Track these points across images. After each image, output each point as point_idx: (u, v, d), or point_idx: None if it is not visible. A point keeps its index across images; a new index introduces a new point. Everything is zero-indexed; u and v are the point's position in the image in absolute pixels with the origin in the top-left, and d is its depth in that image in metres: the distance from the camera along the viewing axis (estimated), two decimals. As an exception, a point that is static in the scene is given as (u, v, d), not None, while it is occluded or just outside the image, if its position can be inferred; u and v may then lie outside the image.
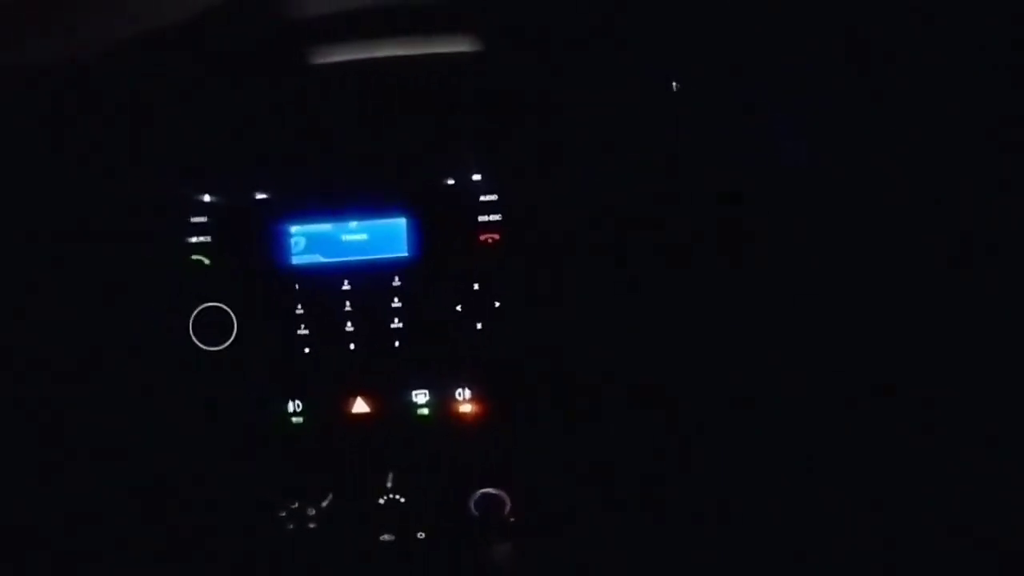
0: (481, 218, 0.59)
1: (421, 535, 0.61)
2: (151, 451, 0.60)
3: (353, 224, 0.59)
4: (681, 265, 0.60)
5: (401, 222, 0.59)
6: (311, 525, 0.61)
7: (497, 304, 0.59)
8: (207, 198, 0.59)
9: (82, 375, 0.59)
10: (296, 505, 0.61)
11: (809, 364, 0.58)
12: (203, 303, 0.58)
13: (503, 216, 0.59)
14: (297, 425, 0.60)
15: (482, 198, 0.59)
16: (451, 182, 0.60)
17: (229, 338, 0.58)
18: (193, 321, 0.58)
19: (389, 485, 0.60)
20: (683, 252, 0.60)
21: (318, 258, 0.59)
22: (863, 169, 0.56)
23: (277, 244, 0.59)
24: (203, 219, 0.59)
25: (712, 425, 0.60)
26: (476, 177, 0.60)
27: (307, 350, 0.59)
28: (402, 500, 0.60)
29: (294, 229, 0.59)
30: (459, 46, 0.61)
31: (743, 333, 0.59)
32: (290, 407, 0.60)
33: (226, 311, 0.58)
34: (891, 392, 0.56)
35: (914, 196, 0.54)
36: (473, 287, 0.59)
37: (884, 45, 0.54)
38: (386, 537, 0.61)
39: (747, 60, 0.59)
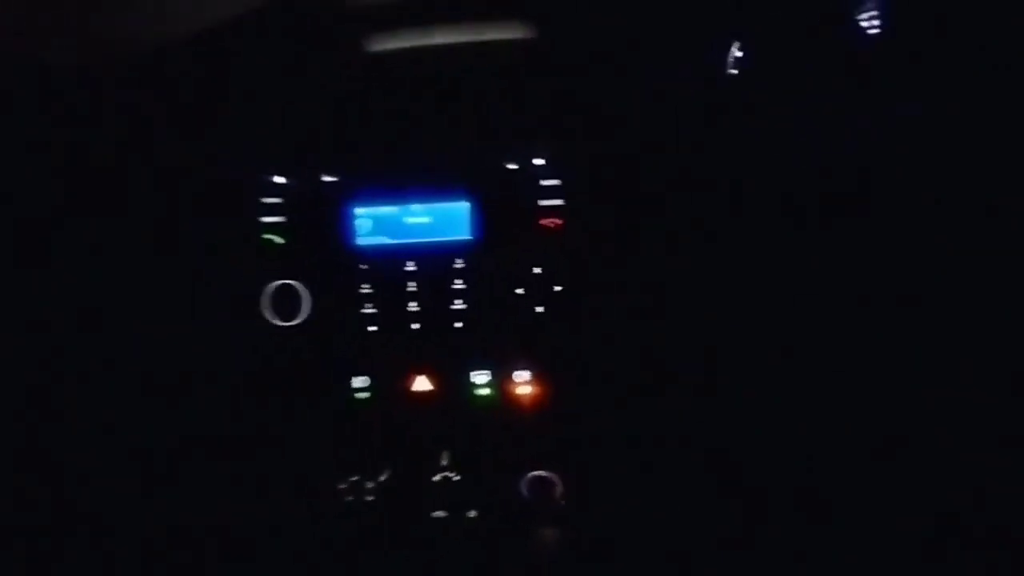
0: (542, 202, 0.60)
1: (472, 514, 0.62)
2: (221, 421, 0.63)
3: (417, 207, 0.61)
4: (743, 250, 0.59)
5: (464, 205, 0.60)
6: (368, 498, 0.62)
7: (558, 288, 0.60)
8: (279, 180, 0.62)
9: (160, 350, 0.62)
10: (356, 479, 0.63)
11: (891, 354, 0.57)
12: (276, 280, 0.60)
13: (565, 201, 0.60)
14: (362, 401, 0.62)
15: (543, 182, 0.60)
16: (513, 167, 0.60)
17: (300, 315, 0.61)
18: (267, 297, 0.61)
19: (444, 463, 0.62)
20: (745, 236, 0.59)
21: (383, 239, 0.61)
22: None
23: (344, 225, 0.61)
24: (276, 200, 0.61)
25: (773, 413, 0.59)
26: (538, 162, 0.60)
27: (372, 328, 0.61)
28: (456, 479, 0.62)
29: (360, 211, 0.61)
30: (521, 32, 0.62)
31: (806, 319, 0.58)
32: (355, 383, 0.62)
33: (297, 289, 0.61)
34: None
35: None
36: (534, 271, 0.60)
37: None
38: (438, 514, 0.62)
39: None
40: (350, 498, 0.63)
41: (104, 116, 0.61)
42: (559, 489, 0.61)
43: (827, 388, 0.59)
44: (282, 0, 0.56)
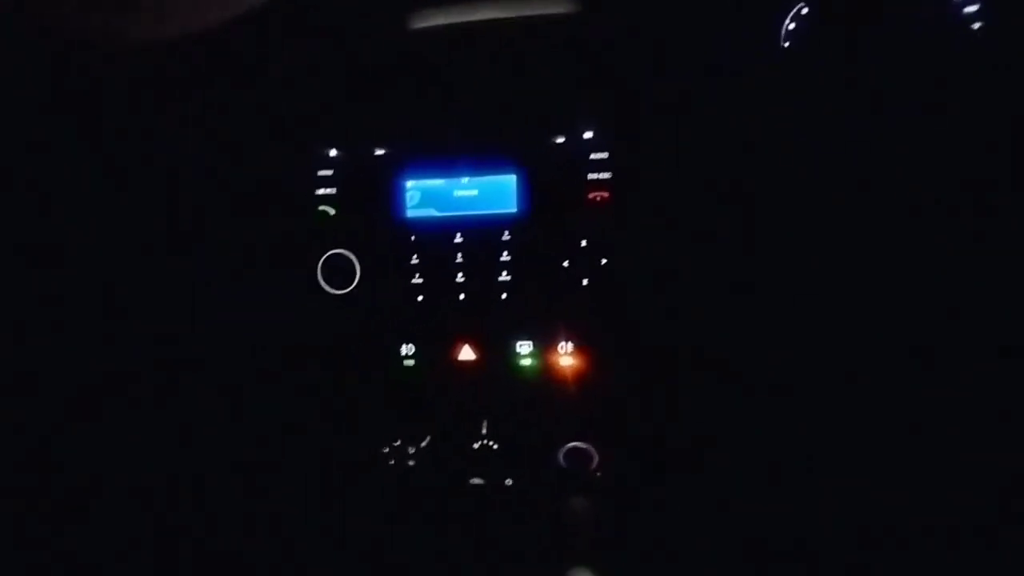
0: (591, 176, 0.60)
1: (509, 482, 0.63)
2: (273, 383, 0.66)
3: (465, 180, 0.62)
4: (793, 225, 0.58)
5: (511, 179, 0.61)
6: (410, 463, 0.65)
7: (604, 262, 0.60)
8: (332, 153, 0.64)
9: (217, 316, 0.66)
10: (398, 443, 0.65)
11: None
12: (329, 250, 0.63)
13: (612, 174, 0.59)
14: (408, 368, 0.64)
15: (592, 156, 0.60)
16: (561, 140, 0.60)
17: (352, 283, 0.63)
18: (321, 266, 0.63)
19: (484, 432, 0.64)
20: (795, 212, 0.58)
21: (432, 212, 0.62)
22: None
23: (394, 197, 0.63)
24: (329, 172, 0.63)
25: (816, 390, 0.58)
26: (587, 135, 0.60)
27: (420, 298, 0.63)
28: (495, 447, 0.63)
29: (409, 184, 0.62)
30: (566, 6, 0.61)
31: (861, 298, 0.57)
32: (403, 350, 0.64)
33: (350, 258, 0.63)
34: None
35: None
36: (580, 244, 0.60)
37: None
38: (476, 481, 0.64)
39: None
40: (392, 462, 0.65)
41: (166, 91, 0.64)
42: (595, 460, 0.62)
43: (878, 370, 0.58)
44: None
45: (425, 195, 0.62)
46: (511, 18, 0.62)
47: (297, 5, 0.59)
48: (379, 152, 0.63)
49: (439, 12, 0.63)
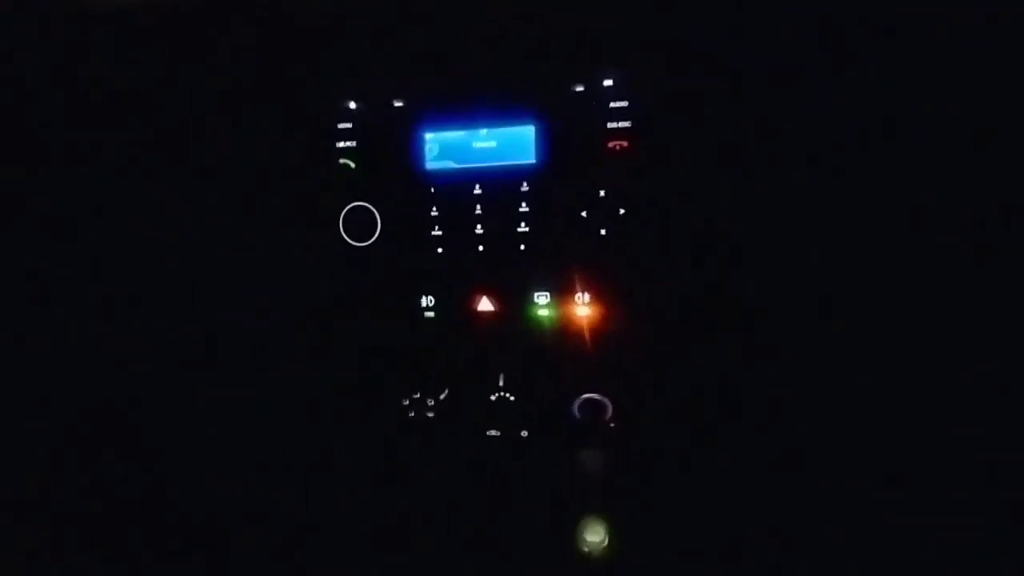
0: (610, 125, 0.59)
1: (524, 434, 0.65)
2: (295, 337, 0.68)
3: (483, 132, 0.62)
4: (816, 179, 0.57)
5: (529, 129, 0.61)
6: (428, 415, 0.67)
7: (622, 212, 0.60)
8: (352, 106, 0.64)
9: (244, 268, 0.68)
10: (417, 396, 0.67)
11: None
12: (350, 203, 0.64)
13: (632, 123, 0.59)
14: (428, 320, 0.66)
15: (612, 105, 0.59)
16: (580, 89, 0.60)
17: (373, 236, 0.64)
18: (343, 219, 0.64)
19: (501, 384, 0.65)
20: (818, 165, 0.57)
21: (450, 164, 0.63)
22: None
23: (413, 150, 0.63)
24: (348, 126, 0.64)
25: (832, 350, 0.59)
26: (607, 83, 0.59)
27: (440, 250, 0.64)
28: (511, 399, 0.65)
29: (428, 136, 0.63)
30: None
31: (881, 263, 0.57)
32: (423, 302, 0.65)
33: (371, 211, 0.64)
34: None
35: None
36: (599, 194, 0.60)
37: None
38: (492, 433, 0.66)
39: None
40: (411, 414, 0.67)
41: (184, 41, 0.64)
42: (609, 411, 0.63)
43: (898, 339, 0.58)
44: None
45: (444, 147, 0.63)
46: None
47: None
48: (398, 104, 0.63)
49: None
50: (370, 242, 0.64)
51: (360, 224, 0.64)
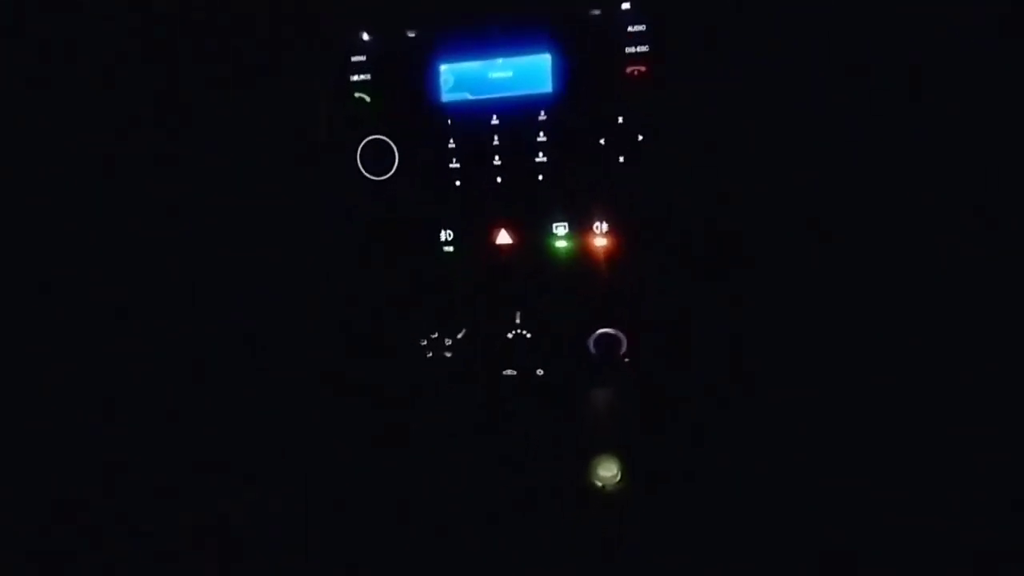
0: (628, 49, 0.58)
1: (540, 372, 0.66)
2: (315, 274, 0.69)
3: (499, 61, 0.61)
4: (827, 107, 0.56)
5: (546, 58, 0.60)
6: (447, 355, 0.67)
7: (640, 138, 0.59)
8: (365, 38, 0.63)
9: (261, 204, 0.68)
10: (435, 335, 0.68)
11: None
12: (367, 136, 0.64)
13: (650, 47, 0.58)
14: (448, 253, 0.66)
15: (629, 28, 0.58)
16: (597, 12, 0.59)
17: (391, 169, 0.64)
18: (360, 152, 0.65)
19: (517, 321, 0.66)
20: (829, 89, 0.56)
21: (466, 95, 0.62)
22: None
23: (429, 82, 0.63)
24: (362, 58, 0.64)
25: (846, 288, 0.58)
26: (624, 6, 0.58)
27: (458, 182, 0.64)
28: (528, 336, 0.65)
29: (443, 68, 0.62)
30: None
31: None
32: (442, 236, 0.66)
33: (388, 144, 0.64)
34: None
35: None
36: (617, 120, 0.60)
37: None
38: (509, 372, 0.66)
39: None
40: (430, 354, 0.68)
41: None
42: (624, 346, 0.63)
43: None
44: None
45: (459, 79, 0.62)
46: None
47: None
48: (411, 35, 0.63)
49: None
50: (388, 176, 0.65)
51: (377, 158, 0.64)
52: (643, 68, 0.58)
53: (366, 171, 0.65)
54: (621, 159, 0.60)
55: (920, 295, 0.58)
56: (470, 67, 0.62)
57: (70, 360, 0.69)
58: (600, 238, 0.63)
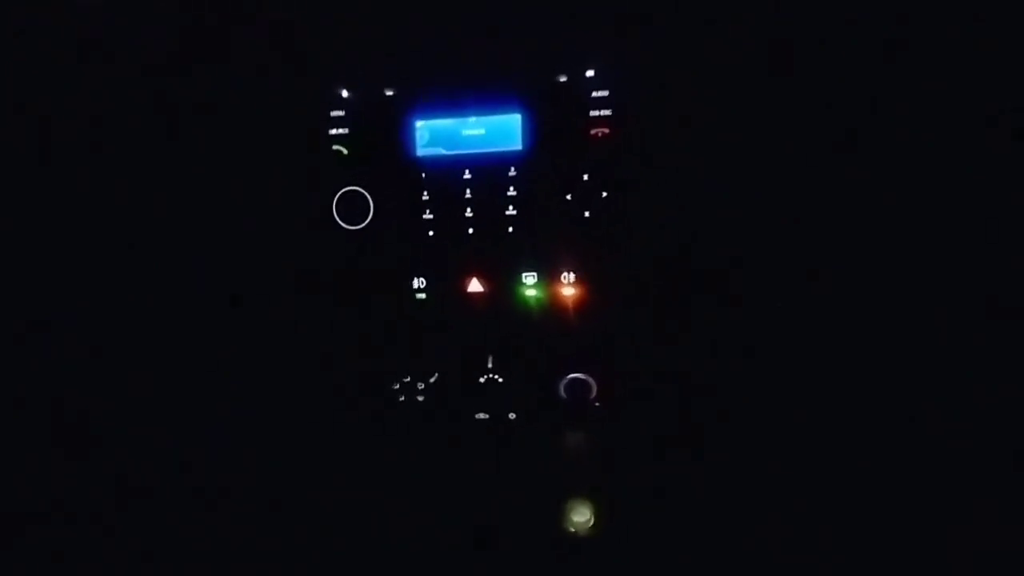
0: (592, 113, 0.62)
1: (512, 416, 0.67)
2: (290, 318, 0.69)
3: (472, 119, 0.64)
4: (790, 159, 0.60)
5: (516, 117, 0.64)
6: (419, 399, 0.68)
7: (605, 194, 0.63)
8: (344, 94, 0.66)
9: (240, 251, 0.69)
10: (408, 379, 0.68)
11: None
12: (344, 187, 0.66)
13: (613, 111, 0.62)
14: (420, 301, 0.68)
15: (594, 94, 0.62)
16: (564, 79, 0.63)
17: (366, 219, 0.66)
18: (336, 203, 0.66)
19: (489, 366, 0.67)
20: (792, 145, 0.60)
21: (440, 150, 0.65)
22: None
23: (404, 137, 0.65)
24: (341, 113, 0.66)
25: (816, 337, 0.61)
26: (589, 73, 0.62)
27: (431, 233, 0.66)
28: (499, 380, 0.67)
29: (419, 124, 0.65)
30: None
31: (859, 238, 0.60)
32: (415, 284, 0.67)
33: (364, 195, 0.66)
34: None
35: None
36: (583, 178, 0.63)
37: None
38: (481, 416, 0.67)
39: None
40: (402, 398, 0.68)
41: (182, 37, 0.66)
42: (595, 391, 0.65)
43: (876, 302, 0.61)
44: None
45: (434, 134, 0.65)
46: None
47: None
48: (389, 93, 0.66)
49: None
50: (363, 225, 0.66)
51: (353, 208, 0.66)
52: (606, 130, 0.62)
53: (342, 221, 0.67)
54: (587, 214, 0.63)
55: (897, 340, 0.61)
56: (444, 124, 0.65)
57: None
58: (568, 287, 0.65)
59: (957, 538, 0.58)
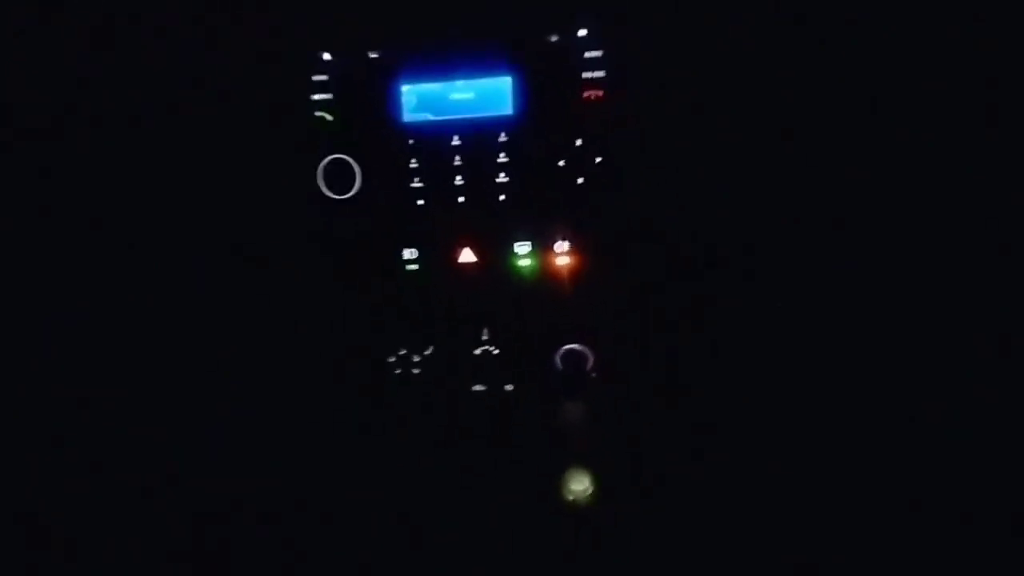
0: (585, 75, 0.60)
1: (509, 387, 0.66)
2: (278, 292, 0.68)
3: (461, 83, 0.62)
4: (791, 121, 0.59)
5: (506, 80, 0.62)
6: (415, 371, 0.67)
7: (598, 159, 0.61)
8: (327, 57, 0.63)
9: (224, 225, 0.67)
10: (403, 352, 0.67)
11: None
12: (329, 155, 0.64)
13: (607, 72, 0.60)
14: (411, 272, 0.66)
15: (587, 55, 0.60)
16: (555, 39, 0.61)
17: (353, 188, 0.64)
18: (321, 171, 0.64)
19: (484, 337, 0.66)
20: (793, 122, 0.59)
21: (428, 116, 0.63)
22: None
23: (390, 102, 0.63)
24: (324, 78, 0.63)
25: (812, 302, 0.61)
26: (581, 33, 0.60)
27: (420, 202, 0.64)
28: (495, 352, 0.66)
29: (405, 88, 0.63)
30: None
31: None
32: (406, 255, 0.66)
33: (349, 163, 0.64)
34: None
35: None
36: (575, 143, 0.61)
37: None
38: (477, 387, 0.66)
39: None
40: (398, 371, 0.67)
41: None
42: (591, 361, 0.64)
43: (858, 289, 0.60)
44: None
45: (422, 99, 0.63)
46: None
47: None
48: (374, 56, 0.63)
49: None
50: (350, 195, 0.64)
51: (339, 177, 0.64)
52: (600, 93, 0.60)
53: (328, 190, 0.65)
54: (580, 180, 0.62)
55: (893, 324, 0.60)
56: (432, 88, 0.63)
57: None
58: (562, 256, 0.64)
59: (957, 537, 0.59)
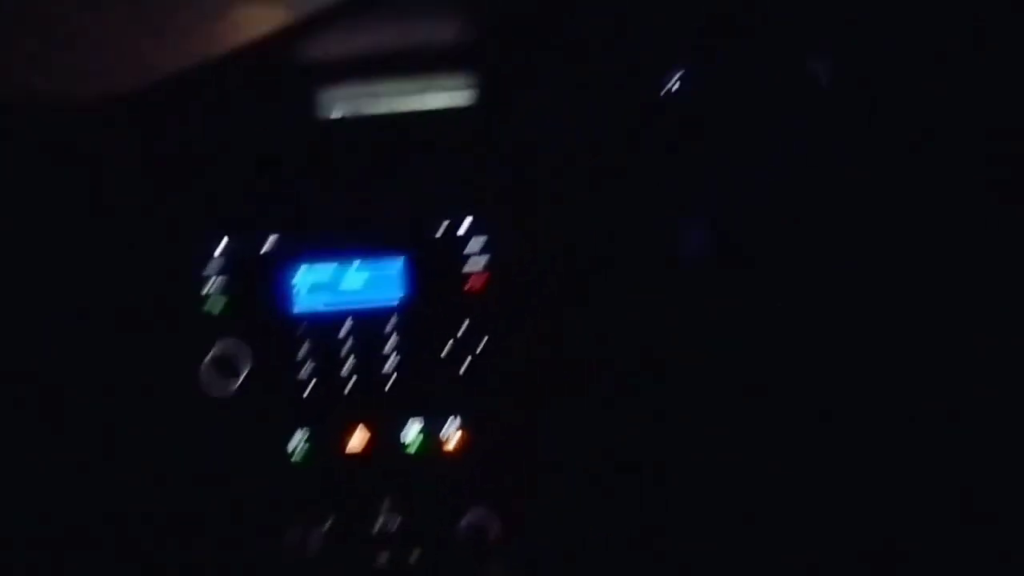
0: (469, 262, 0.64)
1: (415, 557, 0.64)
2: (171, 479, 0.65)
3: (351, 271, 0.64)
4: (662, 305, 0.64)
5: (395, 269, 0.64)
6: (314, 547, 0.63)
7: (483, 344, 0.64)
8: (219, 245, 0.64)
9: (108, 413, 0.65)
10: (300, 528, 0.64)
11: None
12: (216, 345, 0.63)
13: (490, 259, 0.64)
14: (300, 460, 0.64)
15: (471, 242, 0.64)
16: (443, 227, 0.65)
17: (240, 379, 0.63)
18: (205, 364, 0.63)
19: (383, 513, 0.64)
20: (675, 292, 0.64)
21: (319, 306, 0.64)
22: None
23: (281, 294, 0.64)
24: (215, 265, 0.64)
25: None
26: (466, 222, 0.64)
27: (310, 389, 0.64)
28: (396, 526, 0.64)
29: (295, 280, 0.64)
30: (453, 100, 0.67)
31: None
32: (295, 440, 0.64)
33: (236, 355, 0.63)
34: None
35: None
36: (461, 327, 0.64)
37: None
38: (382, 560, 0.64)
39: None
40: (300, 552, 0.64)
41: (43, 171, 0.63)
42: (494, 531, 0.63)
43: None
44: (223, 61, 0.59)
45: (312, 290, 0.64)
46: (397, 113, 0.68)
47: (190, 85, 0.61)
48: (265, 249, 0.65)
49: (338, 103, 0.68)
50: (238, 385, 0.63)
51: (225, 369, 0.63)
52: (483, 278, 0.64)
53: (214, 380, 0.63)
54: (461, 371, 0.64)
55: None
56: (323, 278, 0.64)
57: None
58: (455, 434, 0.64)
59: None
